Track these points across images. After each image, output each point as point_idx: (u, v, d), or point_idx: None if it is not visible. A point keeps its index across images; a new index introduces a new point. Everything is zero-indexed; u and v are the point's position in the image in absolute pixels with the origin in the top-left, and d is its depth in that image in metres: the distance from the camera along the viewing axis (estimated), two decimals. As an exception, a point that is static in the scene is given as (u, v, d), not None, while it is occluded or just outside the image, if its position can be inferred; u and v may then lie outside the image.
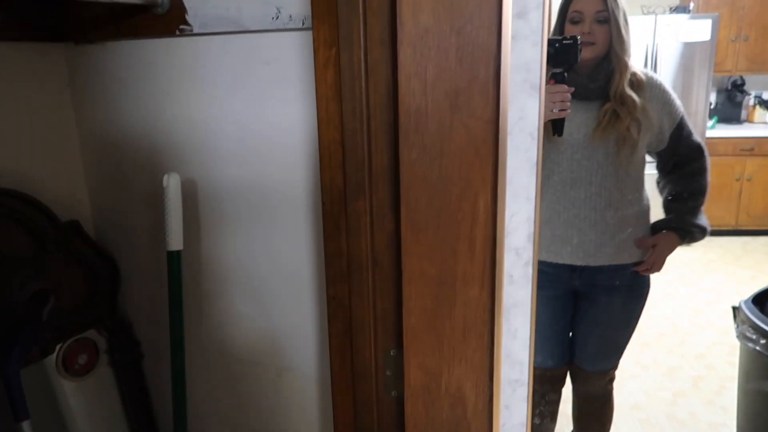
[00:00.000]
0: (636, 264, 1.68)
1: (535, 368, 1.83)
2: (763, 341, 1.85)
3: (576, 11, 1.56)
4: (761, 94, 4.87)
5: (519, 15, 0.70)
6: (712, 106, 4.80)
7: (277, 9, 0.98)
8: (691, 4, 4.50)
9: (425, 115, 0.76)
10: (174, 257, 1.08)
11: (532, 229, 0.76)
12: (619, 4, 1.53)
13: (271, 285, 1.14)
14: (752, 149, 4.42)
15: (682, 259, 4.21)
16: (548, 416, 1.92)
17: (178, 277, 1.10)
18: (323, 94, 0.87)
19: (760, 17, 4.51)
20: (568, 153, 1.58)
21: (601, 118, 1.55)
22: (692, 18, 4.26)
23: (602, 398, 1.93)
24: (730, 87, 4.89)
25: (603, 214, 1.60)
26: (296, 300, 1.10)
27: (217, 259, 1.18)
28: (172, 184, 1.03)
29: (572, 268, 1.70)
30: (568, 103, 1.44)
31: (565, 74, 1.45)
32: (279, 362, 1.19)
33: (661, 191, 1.75)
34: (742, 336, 2.00)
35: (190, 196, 1.15)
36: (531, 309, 0.79)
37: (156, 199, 1.14)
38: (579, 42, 1.42)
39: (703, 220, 1.67)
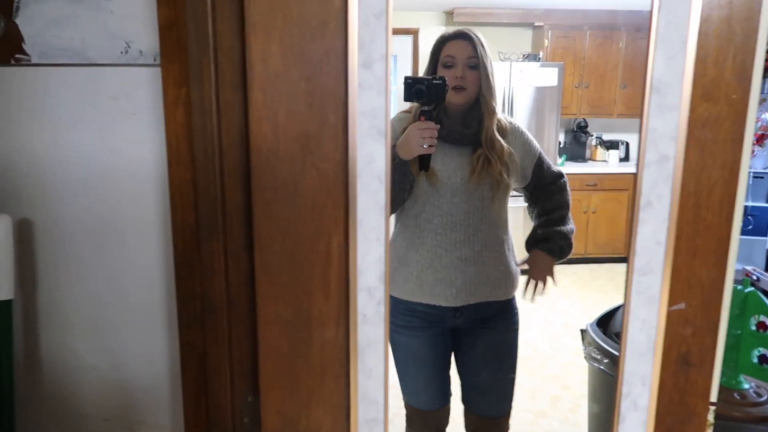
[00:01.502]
0: (507, 301, 1.77)
1: (418, 411, 1.85)
2: (606, 360, 2.03)
3: (448, 56, 1.64)
4: (601, 135, 5.48)
5: (364, 65, 0.73)
6: (561, 145, 5.32)
7: (127, 44, 0.95)
8: (541, 53, 4.98)
9: (277, 158, 0.77)
10: (4, 307, 0.97)
11: (383, 269, 0.78)
12: (487, 52, 1.64)
13: (122, 332, 1.06)
14: (595, 184, 4.94)
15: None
16: None
17: (9, 328, 0.99)
18: (173, 132, 0.84)
19: (598, 68, 5.10)
20: (447, 196, 1.65)
21: (474, 163, 1.63)
22: (542, 66, 4.71)
23: None
24: (575, 128, 5.44)
25: (480, 253, 1.68)
26: (149, 347, 1.04)
27: (58, 306, 1.08)
28: (2, 228, 0.93)
29: (455, 309, 1.73)
30: (435, 140, 1.51)
31: (433, 112, 1.52)
32: (131, 416, 1.11)
33: (532, 217, 1.85)
34: (589, 357, 2.18)
35: (26, 238, 1.05)
36: (385, 348, 0.81)
37: (-16, 242, 1.03)
38: (446, 82, 1.51)
39: (568, 227, 1.78)
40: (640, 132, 0.73)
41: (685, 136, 0.72)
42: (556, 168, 1.81)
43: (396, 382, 1.86)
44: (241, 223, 0.83)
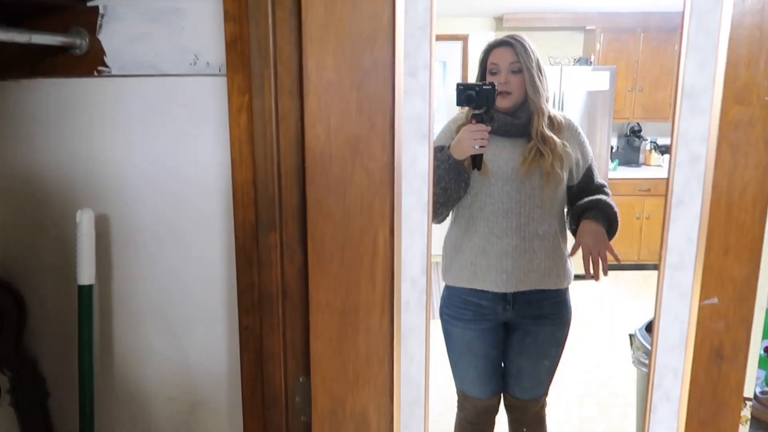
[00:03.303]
0: (559, 291, 1.80)
1: (470, 398, 1.92)
2: (653, 365, 2.02)
3: (493, 63, 1.73)
4: (656, 139, 5.35)
5: (410, 73, 0.80)
6: (613, 150, 5.22)
7: (195, 56, 1.04)
8: (592, 57, 4.92)
9: (329, 158, 0.84)
10: (85, 291, 1.08)
11: (425, 261, 0.85)
12: (531, 55, 1.70)
13: (185, 320, 1.16)
14: (649, 189, 4.83)
15: (589, 293, 4.48)
16: None
17: (89, 311, 1.11)
18: (237, 137, 0.93)
19: (651, 71, 5.00)
20: (498, 186, 1.72)
21: (526, 154, 1.70)
22: (594, 69, 4.66)
23: (536, 424, 2.02)
24: (628, 133, 5.34)
25: (531, 242, 1.73)
26: (209, 333, 1.13)
27: (129, 295, 1.19)
28: (85, 218, 1.05)
29: (504, 299, 1.79)
30: (486, 141, 1.58)
31: (484, 115, 1.59)
32: (192, 396, 1.20)
33: (570, 220, 1.86)
34: (637, 361, 2.17)
35: (103, 233, 1.16)
36: (426, 334, 0.87)
37: (68, 235, 1.15)
38: (496, 87, 1.58)
39: (611, 201, 1.75)
40: (672, 133, 0.76)
41: (716, 138, 0.75)
42: (601, 180, 1.85)
43: (438, 366, 1.92)
44: (296, 219, 0.91)
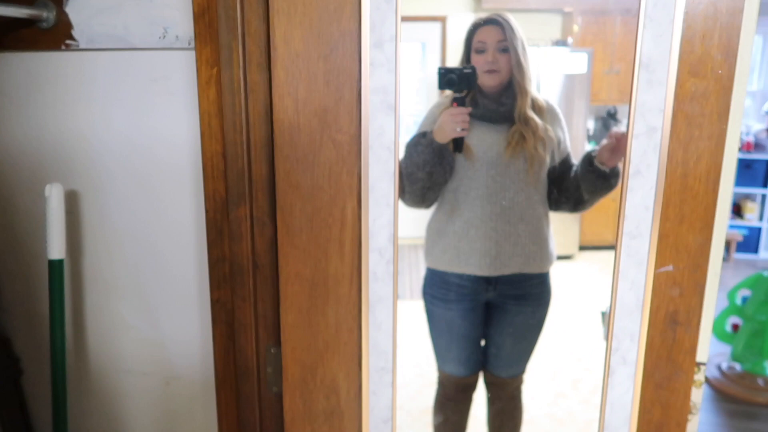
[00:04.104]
0: (541, 275, 1.84)
1: (450, 376, 1.96)
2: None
3: (480, 41, 1.74)
4: (631, 122, 5.42)
5: (376, 45, 0.81)
6: (590, 133, 5.29)
7: (164, 29, 1.04)
8: (570, 39, 4.97)
9: (298, 130, 0.85)
10: (56, 266, 1.08)
11: (392, 231, 0.86)
12: (517, 35, 1.72)
13: (158, 294, 1.17)
14: (624, 172, 4.91)
15: (565, 272, 4.56)
16: (461, 419, 2.05)
17: (60, 286, 1.11)
18: (206, 109, 0.93)
19: (629, 53, 5.05)
20: (483, 170, 1.74)
21: (510, 138, 1.72)
22: (571, 51, 4.70)
23: (514, 400, 2.07)
24: (605, 115, 5.41)
25: (516, 226, 1.77)
26: (182, 307, 1.14)
27: (101, 270, 1.19)
28: (55, 192, 1.04)
29: (487, 281, 1.83)
30: (467, 123, 1.60)
31: (465, 99, 1.61)
32: (167, 371, 1.21)
33: (551, 203, 1.86)
34: (606, 337, 2.23)
35: (73, 209, 1.16)
36: (393, 303, 0.89)
37: (37, 211, 1.14)
38: (476, 71, 1.59)
39: None
40: (629, 105, 0.79)
41: (672, 109, 0.78)
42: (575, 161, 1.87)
43: (416, 345, 1.96)
44: (265, 192, 0.92)
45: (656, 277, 0.83)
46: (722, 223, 0.84)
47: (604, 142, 1.67)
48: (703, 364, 0.91)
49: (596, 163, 1.70)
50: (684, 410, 0.89)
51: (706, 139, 0.79)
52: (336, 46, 0.82)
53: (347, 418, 0.94)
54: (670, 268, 0.83)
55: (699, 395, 0.95)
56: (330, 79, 0.83)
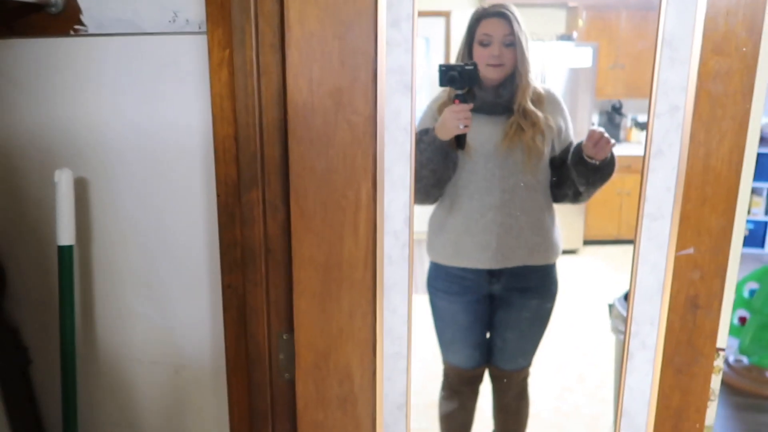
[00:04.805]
0: (547, 266, 1.82)
1: (455, 369, 1.96)
2: (631, 332, 2.07)
3: (485, 34, 1.71)
4: (636, 116, 5.41)
5: (392, 24, 0.79)
6: (595, 127, 5.27)
7: (174, 13, 1.02)
8: (575, 34, 4.94)
9: (312, 112, 0.84)
10: (65, 252, 1.07)
11: (407, 214, 0.85)
12: (522, 28, 1.70)
13: (168, 281, 1.15)
14: (630, 166, 4.88)
15: (570, 265, 4.54)
16: (467, 412, 2.05)
17: (70, 273, 1.10)
18: (217, 92, 0.92)
19: (634, 47, 5.03)
20: (481, 163, 1.73)
21: (507, 129, 1.70)
22: (576, 46, 4.68)
23: (520, 393, 2.07)
24: (610, 110, 5.39)
25: (517, 218, 1.75)
26: (192, 294, 1.13)
27: (110, 258, 1.18)
28: (64, 179, 1.03)
29: (491, 273, 1.82)
30: (470, 120, 1.59)
31: (466, 95, 1.60)
32: (176, 360, 1.20)
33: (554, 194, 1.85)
34: (615, 329, 2.22)
35: (83, 196, 1.15)
36: (409, 287, 0.88)
37: (47, 197, 1.13)
38: (477, 67, 1.58)
39: None
40: (651, 83, 0.77)
41: (695, 88, 0.76)
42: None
43: (422, 337, 1.94)
44: (278, 175, 0.91)
45: (677, 260, 0.82)
46: (744, 206, 0.83)
47: (584, 141, 1.62)
48: (722, 349, 0.90)
49: (585, 156, 1.69)
50: (704, 396, 0.87)
51: (729, 119, 0.78)
52: (351, 26, 0.80)
53: (361, 404, 0.93)
54: (691, 250, 0.81)
55: (718, 381, 0.93)
56: (345, 59, 0.82)
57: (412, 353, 0.89)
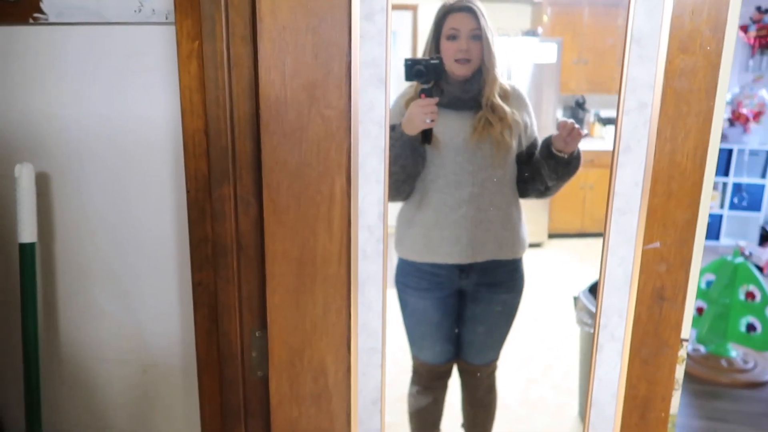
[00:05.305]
0: (514, 260, 1.84)
1: (424, 364, 1.96)
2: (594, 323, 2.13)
3: (452, 28, 1.71)
4: (599, 111, 5.52)
5: (366, 17, 0.79)
6: (565, 119, 5.36)
7: (140, 3, 1.00)
8: (540, 29, 5.01)
9: (285, 105, 0.83)
10: (27, 250, 1.04)
11: (382, 209, 0.85)
12: (488, 22, 1.71)
13: (135, 279, 1.13)
14: (593, 160, 4.99)
15: (535, 259, 4.62)
16: (437, 406, 2.06)
17: (32, 271, 1.06)
18: (186, 84, 0.90)
19: (598, 43, 5.13)
20: (450, 157, 1.73)
21: (476, 124, 1.71)
22: (541, 41, 4.74)
23: (488, 387, 2.09)
24: (574, 105, 5.49)
25: (486, 212, 1.76)
26: (161, 291, 1.11)
27: (74, 255, 1.15)
28: (25, 173, 1.00)
29: (460, 268, 1.83)
30: (436, 114, 1.59)
31: (432, 89, 1.60)
32: (145, 358, 1.18)
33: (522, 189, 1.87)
34: (580, 321, 2.27)
35: (44, 191, 1.11)
36: (383, 282, 0.88)
37: (7, 194, 1.09)
38: (443, 61, 1.58)
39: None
40: (620, 80, 0.79)
41: (662, 85, 0.78)
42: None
43: (391, 334, 1.95)
44: (250, 170, 0.89)
45: (644, 253, 0.84)
46: (707, 200, 0.86)
47: (554, 134, 1.68)
48: (686, 340, 0.93)
49: (554, 150, 1.72)
50: (669, 385, 0.90)
51: (694, 115, 0.80)
52: (325, 18, 0.80)
53: (335, 400, 0.92)
54: (657, 244, 0.84)
55: (681, 371, 0.96)
56: (318, 51, 0.81)
57: (386, 348, 0.89)
